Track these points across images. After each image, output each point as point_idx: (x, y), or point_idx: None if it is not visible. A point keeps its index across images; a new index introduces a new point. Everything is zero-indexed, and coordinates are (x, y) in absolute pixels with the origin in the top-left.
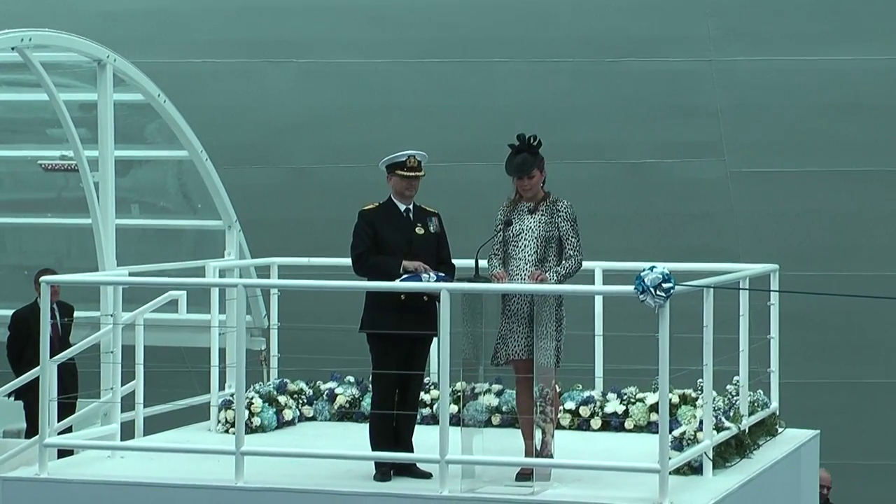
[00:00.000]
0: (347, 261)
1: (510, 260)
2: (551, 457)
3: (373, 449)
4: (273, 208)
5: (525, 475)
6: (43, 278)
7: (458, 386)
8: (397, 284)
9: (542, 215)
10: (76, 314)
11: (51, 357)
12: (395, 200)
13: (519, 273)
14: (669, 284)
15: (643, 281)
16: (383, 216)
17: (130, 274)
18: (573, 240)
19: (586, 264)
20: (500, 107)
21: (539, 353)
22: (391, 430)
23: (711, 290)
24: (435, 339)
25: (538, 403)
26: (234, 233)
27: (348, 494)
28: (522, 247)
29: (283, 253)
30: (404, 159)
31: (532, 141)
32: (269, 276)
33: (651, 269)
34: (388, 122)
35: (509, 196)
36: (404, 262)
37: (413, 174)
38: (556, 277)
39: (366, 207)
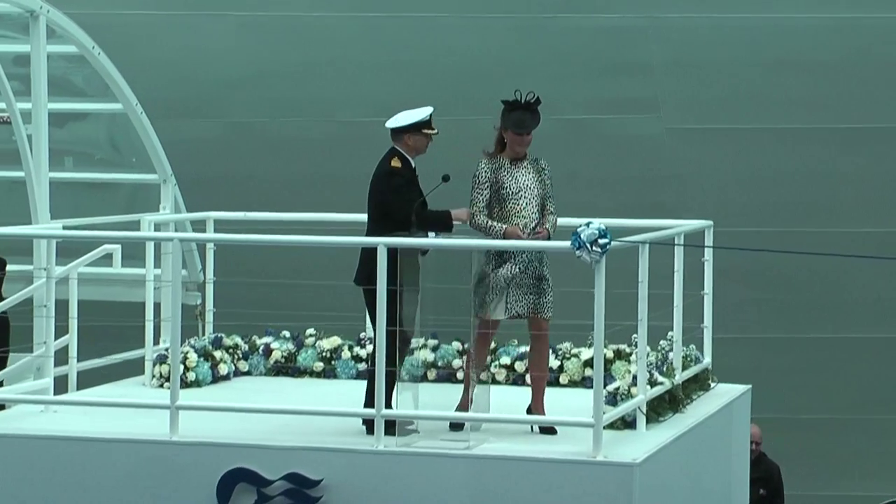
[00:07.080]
0: (285, 215)
1: (512, 217)
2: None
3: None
4: (210, 163)
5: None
6: None
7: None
8: (336, 239)
9: (532, 173)
10: (8, 268)
11: None
12: (409, 158)
13: (525, 230)
14: (605, 240)
15: (579, 237)
16: (409, 173)
17: (64, 227)
18: (553, 197)
19: None
20: (438, 62)
21: (547, 309)
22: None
23: (647, 245)
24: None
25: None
26: (169, 187)
27: (282, 449)
28: (524, 205)
29: (220, 208)
30: (429, 116)
31: (531, 99)
32: (205, 231)
33: (587, 224)
34: (327, 77)
35: (485, 150)
36: (454, 212)
37: (434, 130)
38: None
39: (394, 164)
